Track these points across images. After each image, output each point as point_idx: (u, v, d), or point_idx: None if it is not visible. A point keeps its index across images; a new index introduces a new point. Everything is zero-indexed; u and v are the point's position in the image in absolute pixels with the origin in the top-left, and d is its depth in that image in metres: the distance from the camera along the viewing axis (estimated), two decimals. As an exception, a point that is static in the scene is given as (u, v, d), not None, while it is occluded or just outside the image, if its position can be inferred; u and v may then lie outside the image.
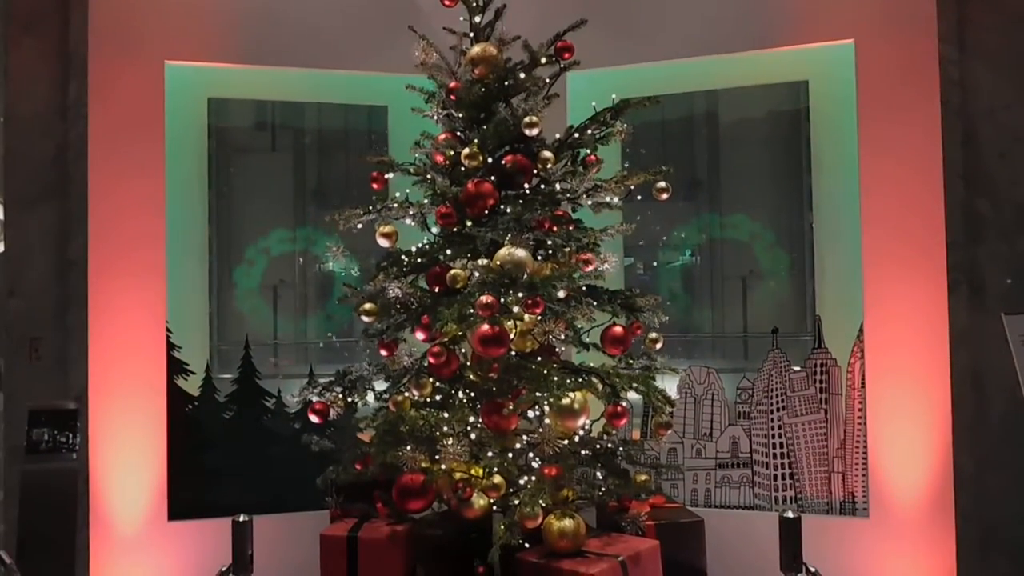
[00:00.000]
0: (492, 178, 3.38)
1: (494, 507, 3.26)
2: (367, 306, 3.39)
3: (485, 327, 3.03)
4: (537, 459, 3.26)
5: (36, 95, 3.97)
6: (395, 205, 3.47)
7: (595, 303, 3.31)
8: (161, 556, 3.96)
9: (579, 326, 3.35)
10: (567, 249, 3.30)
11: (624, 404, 3.13)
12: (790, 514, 3.15)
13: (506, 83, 3.46)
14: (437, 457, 3.19)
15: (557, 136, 3.51)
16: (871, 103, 3.88)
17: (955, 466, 3.72)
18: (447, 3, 3.58)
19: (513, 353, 3.29)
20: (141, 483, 3.95)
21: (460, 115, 3.53)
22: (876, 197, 3.86)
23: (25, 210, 3.93)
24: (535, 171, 3.41)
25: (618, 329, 3.31)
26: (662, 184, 3.43)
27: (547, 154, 3.35)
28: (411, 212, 3.48)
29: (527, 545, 3.15)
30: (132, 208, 3.97)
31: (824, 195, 4.08)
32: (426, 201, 3.48)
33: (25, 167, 3.95)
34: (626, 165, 4.24)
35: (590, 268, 3.30)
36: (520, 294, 3.09)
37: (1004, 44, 3.81)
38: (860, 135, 3.89)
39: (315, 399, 3.44)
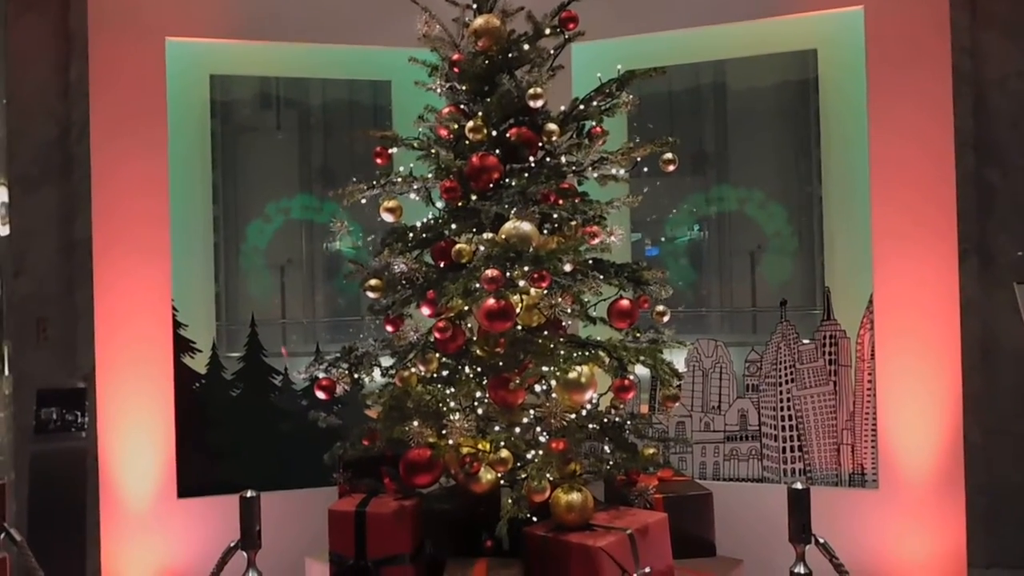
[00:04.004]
0: (497, 151, 3.35)
1: (501, 481, 3.26)
2: (373, 282, 3.37)
3: (491, 301, 3.01)
4: (544, 433, 3.26)
5: (38, 76, 3.96)
6: (399, 180, 3.44)
7: (601, 276, 3.29)
8: (170, 533, 3.98)
9: (585, 299, 3.33)
10: (573, 222, 3.27)
11: (631, 377, 3.11)
12: (799, 486, 3.14)
13: (510, 55, 3.42)
14: (444, 432, 3.19)
15: (562, 108, 3.47)
16: (880, 71, 3.82)
17: (965, 437, 3.71)
18: (449, -25, 3.53)
19: (519, 327, 3.28)
20: (150, 461, 3.96)
21: (464, 88, 3.49)
22: (885, 167, 3.81)
23: (29, 191, 3.93)
24: (540, 144, 3.38)
25: (625, 302, 3.29)
26: (668, 156, 3.38)
27: (552, 126, 3.31)
28: (415, 186, 3.46)
29: (535, 519, 3.15)
30: (136, 187, 3.96)
31: (833, 165, 4.03)
32: (430, 175, 3.45)
33: (28, 148, 3.94)
34: (636, 138, 4.19)
35: (596, 241, 3.28)
36: (526, 268, 3.07)
37: (1016, 11, 3.75)
38: (869, 104, 3.84)
39: (321, 375, 3.45)
